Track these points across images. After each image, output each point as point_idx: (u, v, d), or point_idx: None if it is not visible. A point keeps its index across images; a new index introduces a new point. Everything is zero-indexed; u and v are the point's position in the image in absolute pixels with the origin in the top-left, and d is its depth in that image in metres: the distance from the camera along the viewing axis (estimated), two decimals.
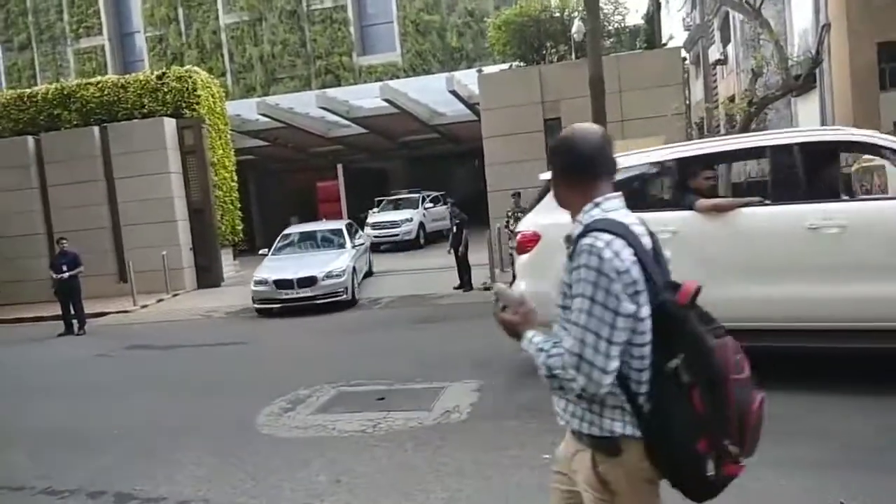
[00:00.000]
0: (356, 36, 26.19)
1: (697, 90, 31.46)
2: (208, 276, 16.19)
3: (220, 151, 17.18)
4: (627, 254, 1.69)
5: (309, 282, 11.55)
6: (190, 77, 16.30)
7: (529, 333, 1.83)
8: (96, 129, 16.12)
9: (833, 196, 5.66)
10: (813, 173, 5.40)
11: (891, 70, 16.35)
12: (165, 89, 16.14)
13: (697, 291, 1.73)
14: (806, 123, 18.22)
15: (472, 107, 18.59)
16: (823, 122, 16.86)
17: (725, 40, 26.84)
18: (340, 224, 14.77)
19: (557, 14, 16.68)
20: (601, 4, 14.43)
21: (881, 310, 4.91)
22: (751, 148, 6.05)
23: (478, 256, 12.72)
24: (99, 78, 17.36)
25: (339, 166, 25.87)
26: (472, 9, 24.78)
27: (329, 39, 26.16)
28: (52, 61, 29.06)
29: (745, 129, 12.18)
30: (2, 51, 29.65)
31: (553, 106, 13.94)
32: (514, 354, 4.99)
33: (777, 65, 12.36)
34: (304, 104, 20.93)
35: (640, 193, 5.93)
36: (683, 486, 1.76)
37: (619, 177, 6.53)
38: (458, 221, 12.73)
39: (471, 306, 10.40)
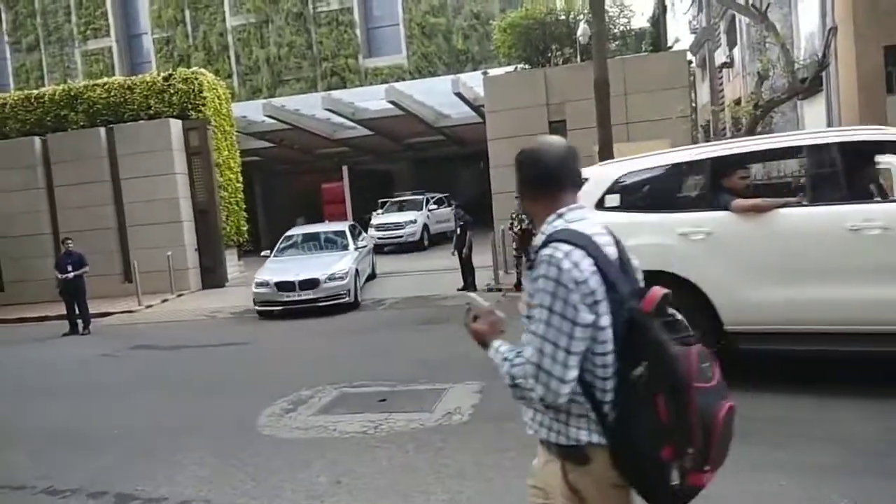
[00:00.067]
0: (362, 38, 26.23)
1: (703, 93, 31.39)
2: (213, 276, 16.23)
3: (226, 153, 17.24)
4: (587, 264, 1.70)
5: (311, 284, 11.47)
6: (196, 79, 16.36)
7: (496, 343, 1.85)
8: (103, 130, 16.20)
9: (870, 197, 5.51)
10: (851, 173, 5.27)
11: None
12: (172, 91, 16.20)
13: (663, 299, 1.74)
14: (812, 127, 18.13)
15: (477, 109, 18.60)
16: (830, 126, 16.77)
17: (732, 43, 26.77)
18: (343, 226, 14.68)
19: (563, 17, 16.69)
20: (606, 7, 14.42)
21: None
22: (787, 147, 5.95)
23: (482, 258, 12.71)
24: (106, 79, 17.45)
25: (345, 168, 25.91)
26: (477, 11, 24.78)
27: (335, 41, 26.21)
28: (59, 63, 29.20)
29: (751, 132, 12.12)
30: (10, 52, 29.80)
31: (558, 108, 13.93)
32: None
33: (783, 68, 12.30)
34: (309, 106, 20.99)
35: (672, 193, 5.86)
36: (649, 495, 1.76)
37: (650, 176, 6.35)
38: (462, 223, 12.72)
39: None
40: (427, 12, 25.27)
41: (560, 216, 1.84)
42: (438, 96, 19.41)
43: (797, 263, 5.13)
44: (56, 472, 5.01)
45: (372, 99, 19.87)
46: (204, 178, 16.25)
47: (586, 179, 5.97)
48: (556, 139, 1.94)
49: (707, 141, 18.55)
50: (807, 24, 19.14)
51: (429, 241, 21.48)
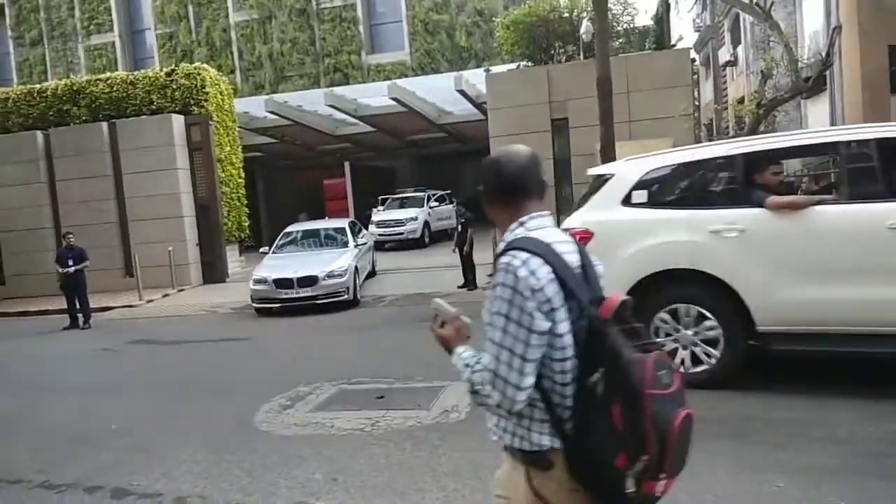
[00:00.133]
0: (365, 34, 26.19)
1: (707, 91, 31.30)
2: (214, 271, 16.26)
3: (228, 148, 17.25)
4: (544, 272, 1.70)
5: (309, 281, 11.39)
6: (198, 74, 16.36)
7: (460, 349, 1.87)
8: (105, 124, 16.22)
9: None
10: (890, 170, 5.14)
11: None
12: (174, 86, 16.21)
13: (622, 306, 1.74)
14: (816, 126, 18.07)
15: (479, 106, 18.56)
16: (833, 125, 16.71)
17: (736, 42, 26.68)
18: (343, 222, 14.56)
19: (566, 14, 16.61)
20: (610, 5, 14.38)
21: None
22: (822, 143, 5.83)
23: (483, 256, 12.66)
24: (108, 74, 17.48)
25: (347, 164, 25.90)
26: (481, 8, 24.72)
27: (338, 38, 26.17)
28: (62, 57, 29.21)
29: (754, 131, 12.07)
30: (13, 46, 29.81)
31: (560, 106, 13.91)
32: None
33: (786, 67, 12.25)
34: (312, 102, 20.97)
35: (702, 190, 5.74)
36: (605, 502, 1.75)
37: (680, 172, 5.91)
38: (463, 220, 12.70)
39: (475, 305, 10.28)
40: (430, 9, 25.21)
41: (521, 224, 1.86)
42: (441, 93, 19.37)
43: (834, 262, 5.02)
44: (53, 466, 5.00)
45: (374, 95, 19.85)
46: (205, 173, 16.26)
47: (611, 175, 5.99)
48: (520, 148, 1.94)
49: (710, 140, 18.49)
50: (811, 22, 19.06)
51: (430, 238, 21.45)
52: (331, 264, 11.80)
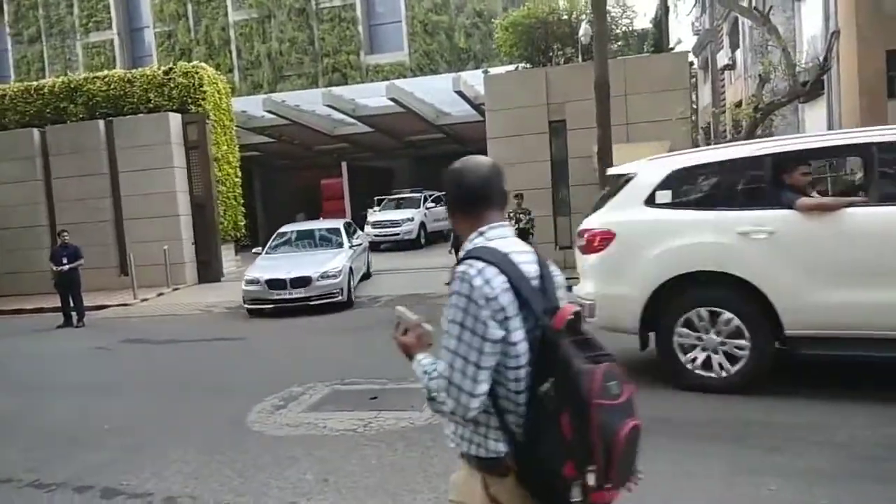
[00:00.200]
0: (364, 35, 26.17)
1: (706, 95, 31.33)
2: (209, 271, 16.21)
3: (225, 147, 17.21)
4: (499, 281, 1.73)
5: (303, 282, 11.23)
6: (196, 73, 16.33)
7: (420, 356, 1.88)
8: (102, 122, 16.17)
9: None
10: None
11: None
12: (172, 84, 16.17)
13: (574, 317, 1.77)
14: (813, 130, 18.09)
15: (477, 107, 18.56)
16: (831, 130, 16.73)
17: (734, 45, 26.72)
18: (338, 223, 14.40)
19: (565, 16, 16.63)
20: (609, 8, 14.39)
21: None
22: (854, 144, 5.70)
23: None
24: (106, 72, 17.43)
25: (344, 164, 25.87)
26: (480, 9, 24.73)
27: (337, 38, 26.15)
28: (60, 55, 29.15)
29: (751, 134, 12.07)
30: (11, 43, 29.74)
31: (558, 108, 13.90)
32: None
33: (784, 71, 12.26)
34: (310, 102, 20.93)
35: (730, 190, 5.65)
36: None
37: (706, 172, 5.81)
38: None
39: None
40: (430, 10, 25.21)
41: (481, 234, 1.88)
42: (439, 94, 19.36)
43: (865, 265, 4.94)
44: (43, 465, 4.97)
45: (373, 96, 19.82)
46: (202, 172, 16.22)
47: (634, 175, 5.89)
48: (481, 158, 1.97)
49: (708, 143, 18.50)
50: (809, 27, 19.09)
51: (426, 239, 21.41)
52: (325, 265, 11.66)
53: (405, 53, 25.62)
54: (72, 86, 16.69)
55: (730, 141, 13.01)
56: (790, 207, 5.12)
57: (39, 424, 6.13)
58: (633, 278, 5.57)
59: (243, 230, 18.10)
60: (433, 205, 22.54)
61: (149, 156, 15.73)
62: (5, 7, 29.49)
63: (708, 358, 5.39)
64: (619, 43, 17.62)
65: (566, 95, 13.65)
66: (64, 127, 16.40)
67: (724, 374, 5.34)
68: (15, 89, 17.27)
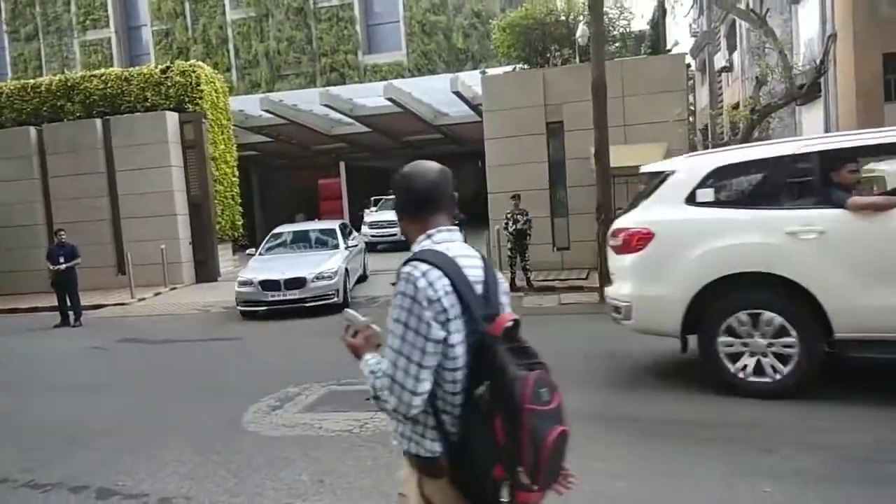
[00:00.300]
0: (362, 35, 26.18)
1: (703, 97, 31.40)
2: (206, 270, 16.19)
3: (222, 146, 17.18)
4: (441, 284, 1.77)
5: (297, 283, 11.03)
6: (194, 72, 16.30)
7: (367, 356, 1.92)
8: (99, 121, 16.13)
9: None
10: None
11: None
12: (169, 83, 16.14)
13: (513, 325, 1.81)
14: (810, 133, 18.15)
15: (475, 108, 18.55)
16: (828, 132, 16.79)
17: (731, 48, 26.79)
18: (334, 224, 14.23)
19: (563, 17, 16.67)
20: (606, 9, 14.40)
21: None
22: None
23: None
24: (103, 70, 17.39)
25: (342, 164, 25.86)
26: (478, 10, 24.76)
27: (335, 37, 26.16)
28: (58, 53, 29.10)
29: (748, 137, 12.12)
30: (8, 41, 29.69)
31: (555, 109, 13.90)
32: None
33: (781, 73, 12.30)
34: (307, 101, 20.90)
35: (776, 189, 5.46)
36: None
37: (750, 170, 5.66)
38: (456, 222, 12.66)
39: None
40: (428, 10, 25.23)
41: (429, 237, 1.92)
42: (437, 94, 19.35)
43: None
44: (39, 465, 4.97)
45: (370, 96, 19.80)
46: (199, 171, 16.19)
47: (673, 172, 5.75)
48: (430, 164, 2.00)
49: (706, 145, 18.53)
50: (807, 30, 19.14)
51: None
52: (320, 266, 11.49)
53: (403, 53, 25.63)
54: (69, 84, 16.65)
55: (726, 143, 13.03)
56: (841, 206, 4.98)
57: (35, 424, 6.12)
58: (674, 279, 5.42)
59: (241, 230, 18.08)
60: None
61: (146, 155, 15.71)
62: (2, 5, 29.45)
63: (757, 362, 5.23)
64: (617, 44, 17.65)
65: (563, 96, 13.66)
66: (61, 125, 16.36)
67: (776, 377, 5.19)
68: (11, 87, 17.22)
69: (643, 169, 6.54)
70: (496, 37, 17.40)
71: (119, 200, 16.08)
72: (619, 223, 5.94)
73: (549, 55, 16.11)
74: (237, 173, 18.05)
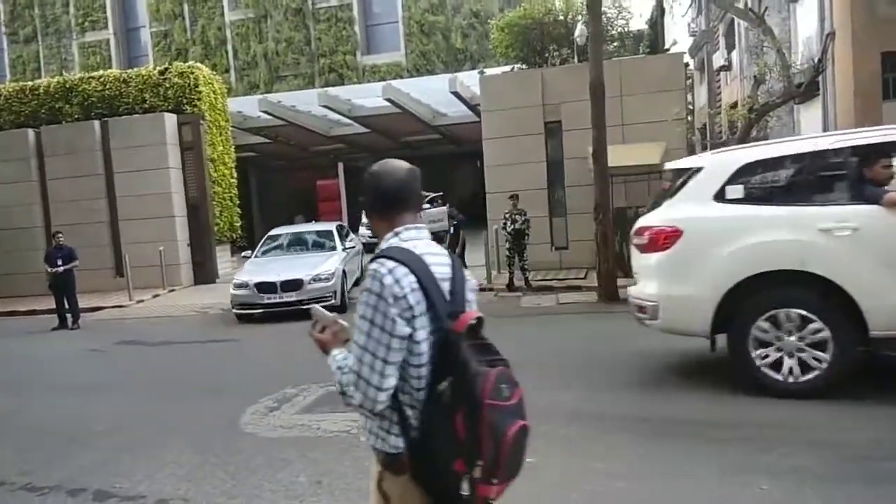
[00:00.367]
0: (361, 35, 26.17)
1: (702, 96, 31.40)
2: (204, 272, 16.18)
3: (221, 148, 17.18)
4: (408, 281, 1.80)
5: (294, 285, 10.87)
6: (192, 73, 16.30)
7: (335, 352, 1.95)
8: (97, 123, 16.13)
9: None
10: None
11: (894, 80, 16.29)
12: (167, 85, 16.15)
13: (476, 322, 1.84)
14: (808, 132, 18.15)
15: (473, 108, 18.56)
16: (826, 131, 16.79)
17: (730, 47, 26.78)
18: (331, 226, 14.13)
19: (561, 17, 16.68)
20: (604, 8, 14.41)
21: None
22: None
23: (475, 258, 12.70)
24: (101, 72, 17.39)
25: (340, 165, 25.84)
26: (477, 10, 24.75)
27: (334, 38, 26.15)
28: (56, 54, 29.09)
29: (746, 136, 12.11)
30: (7, 43, 29.67)
31: (554, 109, 13.90)
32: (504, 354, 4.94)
33: (779, 72, 12.29)
34: (306, 102, 20.89)
35: (808, 184, 5.35)
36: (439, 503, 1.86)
37: (781, 166, 5.51)
38: (455, 223, 12.68)
39: None
40: (426, 10, 25.23)
41: (396, 234, 1.96)
42: (435, 95, 19.34)
43: None
44: (36, 467, 4.96)
45: (369, 96, 19.79)
46: (197, 173, 16.19)
47: (700, 168, 5.65)
48: (398, 163, 2.03)
49: (704, 144, 18.52)
50: (805, 28, 19.14)
51: None
52: (317, 268, 11.36)
53: (402, 54, 25.62)
54: (67, 86, 16.65)
55: (724, 143, 13.03)
56: (875, 203, 4.93)
57: (33, 426, 6.11)
58: (703, 278, 5.32)
59: (239, 231, 18.07)
60: (428, 206, 22.48)
61: (144, 156, 15.70)
62: (1, 6, 29.43)
63: (790, 361, 5.15)
64: (615, 44, 17.65)
65: (562, 96, 13.66)
66: (59, 127, 16.36)
67: (806, 377, 5.10)
68: (10, 89, 17.23)
69: (667, 166, 6.44)
70: (494, 37, 17.40)
71: (117, 202, 16.08)
72: (643, 221, 5.84)
73: (547, 55, 16.11)
74: (235, 175, 18.05)
